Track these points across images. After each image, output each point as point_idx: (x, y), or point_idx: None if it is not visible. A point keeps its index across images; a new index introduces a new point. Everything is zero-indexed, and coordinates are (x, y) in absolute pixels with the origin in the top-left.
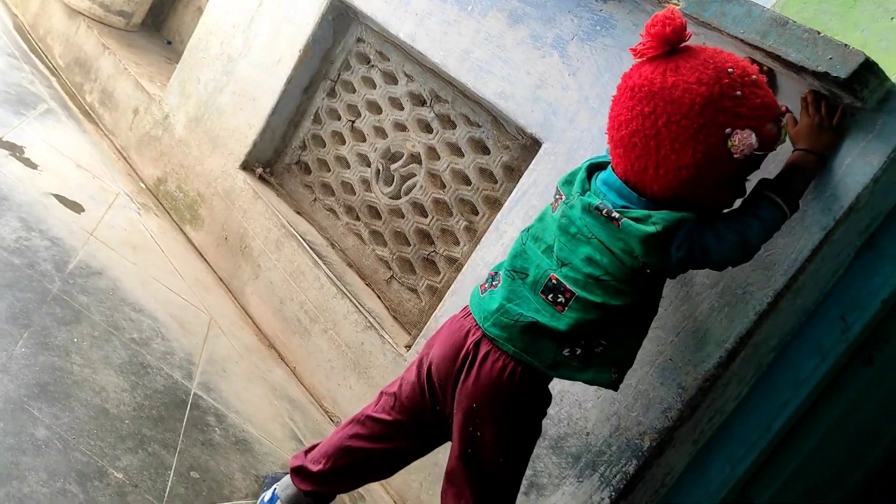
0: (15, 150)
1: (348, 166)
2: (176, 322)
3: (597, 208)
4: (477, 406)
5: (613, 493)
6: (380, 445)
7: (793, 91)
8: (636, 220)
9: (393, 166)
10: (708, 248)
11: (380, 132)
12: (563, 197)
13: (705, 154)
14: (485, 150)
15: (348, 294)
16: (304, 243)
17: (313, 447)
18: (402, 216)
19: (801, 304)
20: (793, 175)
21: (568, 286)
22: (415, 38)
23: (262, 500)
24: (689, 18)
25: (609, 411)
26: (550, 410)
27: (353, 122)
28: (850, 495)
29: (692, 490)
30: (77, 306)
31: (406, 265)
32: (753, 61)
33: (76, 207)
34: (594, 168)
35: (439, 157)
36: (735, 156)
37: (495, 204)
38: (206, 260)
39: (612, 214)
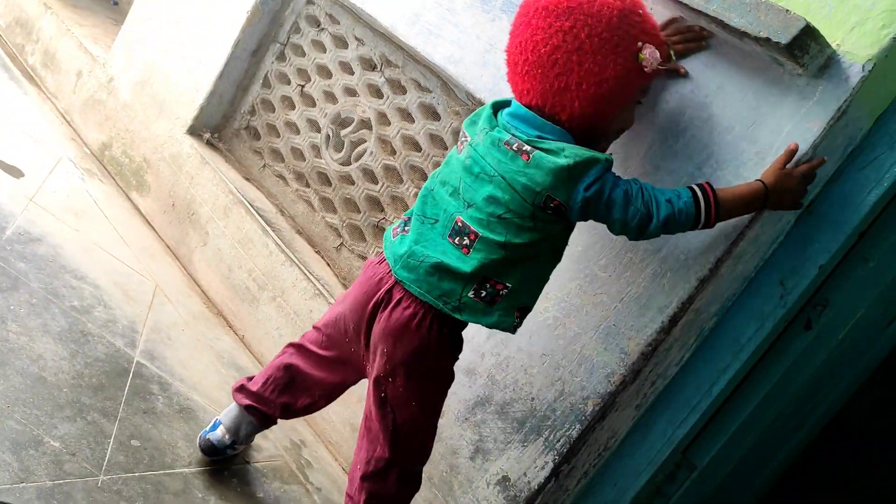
0: None
1: (298, 132)
2: (119, 290)
3: (506, 143)
4: (387, 351)
5: (557, 457)
6: (314, 371)
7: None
8: (548, 151)
9: (343, 132)
10: (613, 204)
11: (330, 97)
12: (469, 138)
13: (623, 66)
14: (435, 116)
15: (297, 262)
16: (253, 210)
17: (252, 376)
18: (353, 183)
19: (742, 270)
20: (736, 196)
21: (472, 227)
22: (365, 0)
23: (204, 431)
24: (705, 17)
25: (553, 376)
26: (497, 376)
27: (303, 86)
28: (791, 457)
29: (634, 453)
30: (14, 273)
31: (356, 232)
32: None
33: (15, 172)
34: (499, 106)
35: (390, 123)
36: (645, 69)
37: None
38: (152, 227)
39: (523, 148)
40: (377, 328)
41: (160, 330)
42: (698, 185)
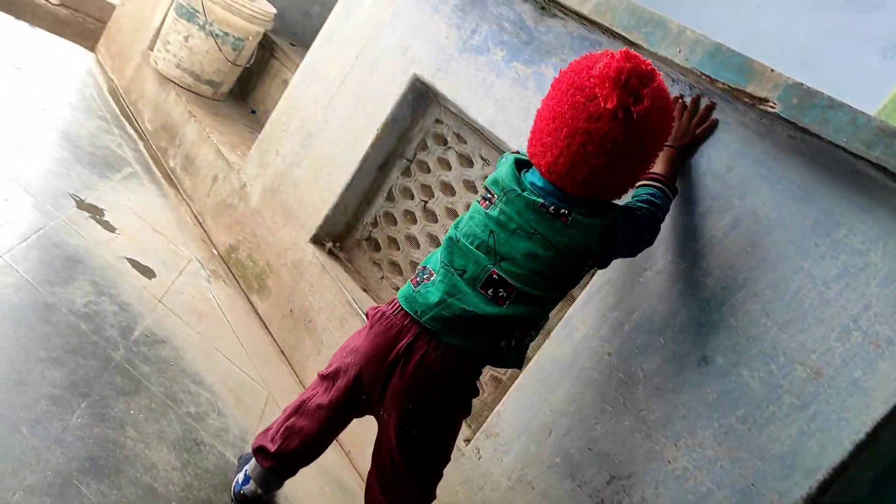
0: (96, 213)
1: (418, 246)
2: (233, 396)
3: (542, 206)
4: (412, 405)
5: None
6: (317, 425)
7: None
8: (583, 214)
9: None
10: (636, 239)
11: (452, 214)
12: (495, 196)
13: (660, 150)
14: None
15: None
16: None
17: (270, 427)
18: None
19: None
20: (668, 167)
21: (510, 281)
22: (494, 123)
23: (237, 481)
24: (786, 123)
25: None
26: None
27: (426, 202)
28: None
29: None
30: (138, 376)
31: None
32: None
33: (148, 272)
34: (521, 164)
35: None
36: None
37: (568, 298)
38: (269, 331)
39: (561, 211)
40: (399, 383)
41: None
42: (654, 180)
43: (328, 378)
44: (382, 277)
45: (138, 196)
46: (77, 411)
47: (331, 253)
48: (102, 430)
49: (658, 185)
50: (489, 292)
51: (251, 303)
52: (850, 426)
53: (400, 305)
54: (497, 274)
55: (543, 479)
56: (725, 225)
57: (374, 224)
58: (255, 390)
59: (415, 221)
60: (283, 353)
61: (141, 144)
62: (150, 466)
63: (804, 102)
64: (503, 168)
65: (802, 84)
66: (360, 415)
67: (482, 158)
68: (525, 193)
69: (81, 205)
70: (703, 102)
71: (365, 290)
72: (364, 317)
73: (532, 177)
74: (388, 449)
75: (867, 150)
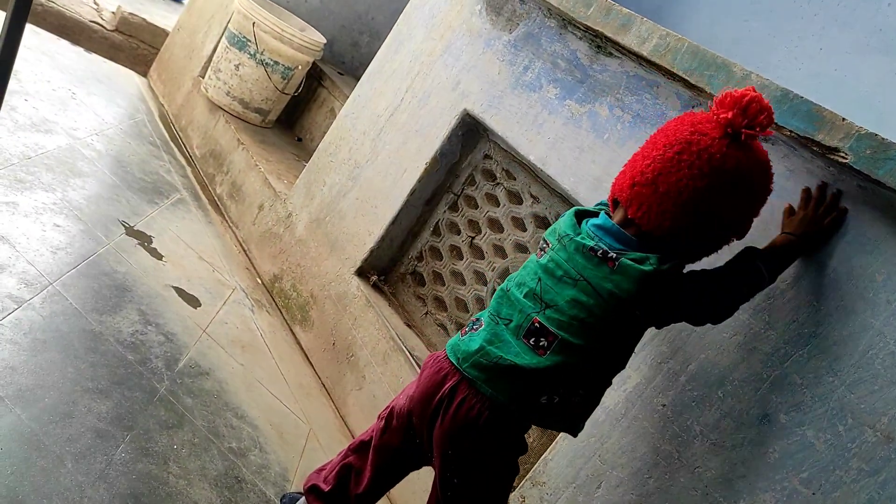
0: (143, 240)
1: (464, 282)
2: (275, 431)
3: (591, 249)
4: (451, 451)
5: None
6: (373, 468)
7: None
8: (634, 259)
9: None
10: (695, 304)
11: (499, 251)
12: (549, 245)
13: (753, 214)
14: None
15: None
16: (412, 359)
17: (325, 466)
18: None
19: None
20: (779, 252)
21: (551, 329)
22: (545, 161)
23: None
24: (856, 173)
25: None
26: None
27: (473, 238)
28: None
29: None
30: (182, 409)
31: None
32: None
33: (193, 302)
34: (582, 215)
35: None
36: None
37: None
38: (311, 363)
39: (609, 255)
40: (441, 427)
41: None
42: (755, 257)
43: (385, 419)
44: (427, 313)
45: (185, 223)
46: (121, 445)
47: (375, 286)
48: (146, 465)
49: (756, 261)
50: (531, 341)
51: (294, 334)
52: None
53: (447, 353)
54: (539, 322)
55: None
56: (789, 276)
57: (420, 258)
58: (296, 425)
59: (461, 257)
60: (325, 387)
61: (189, 171)
62: None
63: (878, 154)
64: (562, 219)
65: (876, 135)
66: (416, 462)
67: (531, 196)
68: (578, 238)
69: (130, 231)
70: (829, 191)
71: (409, 326)
72: (408, 353)
73: (597, 220)
74: (434, 496)
75: None
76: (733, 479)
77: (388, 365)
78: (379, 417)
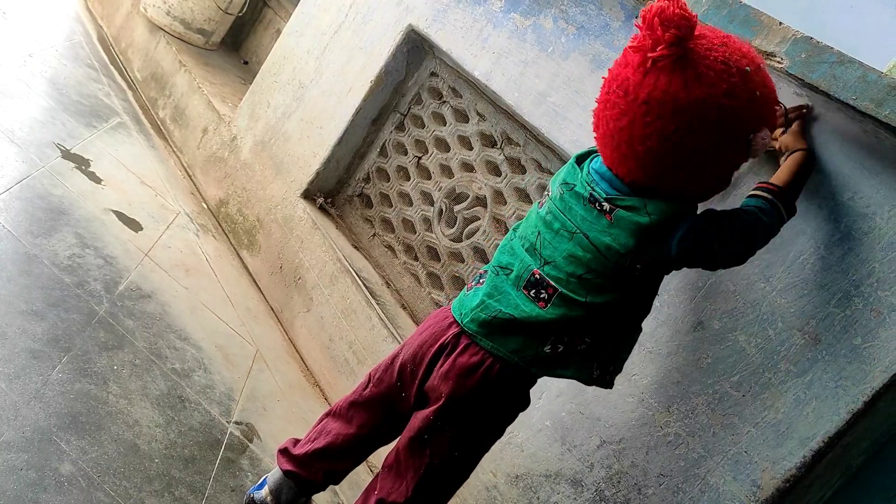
0: (81, 164)
1: (411, 203)
2: (220, 353)
3: (590, 200)
4: (447, 393)
5: None
6: (348, 426)
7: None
8: (629, 208)
9: (457, 207)
10: (712, 250)
11: (446, 171)
12: (550, 192)
13: (727, 160)
14: None
15: (399, 338)
16: (359, 280)
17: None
18: (462, 260)
19: None
20: (793, 179)
21: (551, 282)
22: (490, 76)
23: (253, 488)
24: (793, 79)
25: (672, 501)
26: (606, 492)
27: (420, 158)
28: None
29: None
30: (122, 331)
31: None
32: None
33: (134, 225)
34: (583, 157)
35: (506, 203)
36: (753, 157)
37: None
38: (259, 287)
39: (605, 207)
40: (440, 370)
41: (256, 399)
42: (766, 192)
43: (369, 376)
44: (374, 235)
45: (126, 147)
46: (58, 366)
47: (322, 209)
48: (84, 385)
49: (767, 195)
50: (531, 293)
51: (241, 258)
52: (848, 394)
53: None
54: (539, 274)
55: (533, 443)
56: None
57: (367, 180)
58: (242, 347)
59: (408, 178)
60: (273, 310)
61: (130, 94)
62: (133, 423)
63: (813, 58)
64: (565, 165)
65: (811, 38)
66: (395, 423)
67: (478, 113)
68: (578, 187)
69: (67, 155)
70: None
71: (356, 248)
72: (354, 275)
73: (595, 163)
74: (407, 433)
75: (876, 109)
76: (667, 384)
77: (335, 287)
78: (367, 375)
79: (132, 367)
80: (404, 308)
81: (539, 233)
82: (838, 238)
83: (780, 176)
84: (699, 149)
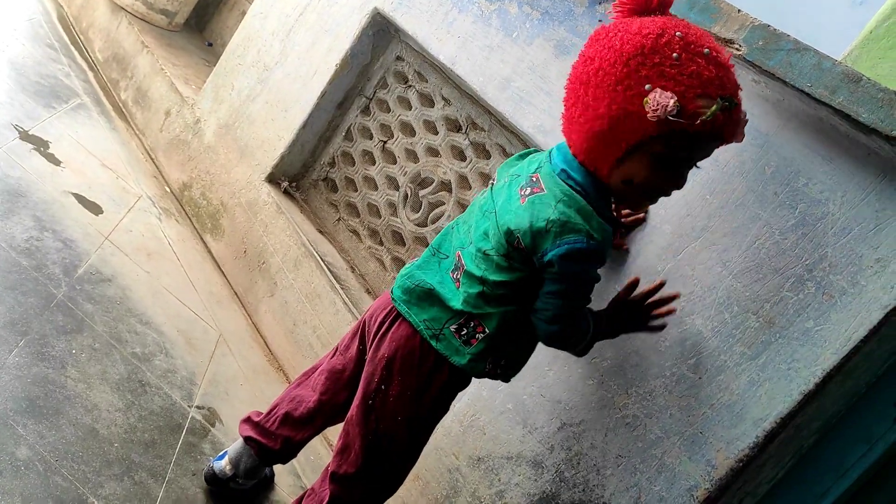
0: (40, 145)
1: (376, 188)
2: (183, 337)
3: (521, 186)
4: (386, 357)
5: None
6: (313, 392)
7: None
8: (544, 200)
9: (422, 192)
10: (557, 287)
11: (411, 155)
12: (495, 180)
13: (620, 106)
14: None
15: None
16: (324, 265)
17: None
18: (427, 245)
19: (851, 386)
20: (599, 327)
21: (463, 261)
22: (455, 61)
23: (213, 459)
24: (751, 66)
25: (629, 482)
26: (566, 473)
27: (385, 142)
28: None
29: None
30: (81, 315)
31: None
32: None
33: (95, 208)
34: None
35: (471, 188)
36: (648, 115)
37: None
38: (222, 272)
39: (525, 192)
40: (386, 334)
41: (219, 383)
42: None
43: (337, 346)
44: (339, 219)
45: (86, 129)
46: (14, 350)
47: (286, 193)
48: (41, 369)
49: (593, 324)
50: (454, 275)
51: (204, 242)
52: (800, 376)
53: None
54: (459, 255)
55: (495, 425)
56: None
57: (332, 164)
58: (205, 331)
59: (373, 162)
60: (237, 295)
61: (91, 75)
62: (92, 407)
63: (770, 45)
64: (518, 158)
65: (769, 26)
66: (354, 394)
67: (443, 98)
68: (521, 177)
69: (25, 136)
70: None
71: (321, 232)
72: (319, 259)
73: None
74: (356, 401)
75: (831, 96)
76: (627, 367)
77: (299, 271)
78: (333, 348)
79: (91, 352)
80: (369, 293)
81: (474, 215)
82: (793, 223)
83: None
84: (599, 82)
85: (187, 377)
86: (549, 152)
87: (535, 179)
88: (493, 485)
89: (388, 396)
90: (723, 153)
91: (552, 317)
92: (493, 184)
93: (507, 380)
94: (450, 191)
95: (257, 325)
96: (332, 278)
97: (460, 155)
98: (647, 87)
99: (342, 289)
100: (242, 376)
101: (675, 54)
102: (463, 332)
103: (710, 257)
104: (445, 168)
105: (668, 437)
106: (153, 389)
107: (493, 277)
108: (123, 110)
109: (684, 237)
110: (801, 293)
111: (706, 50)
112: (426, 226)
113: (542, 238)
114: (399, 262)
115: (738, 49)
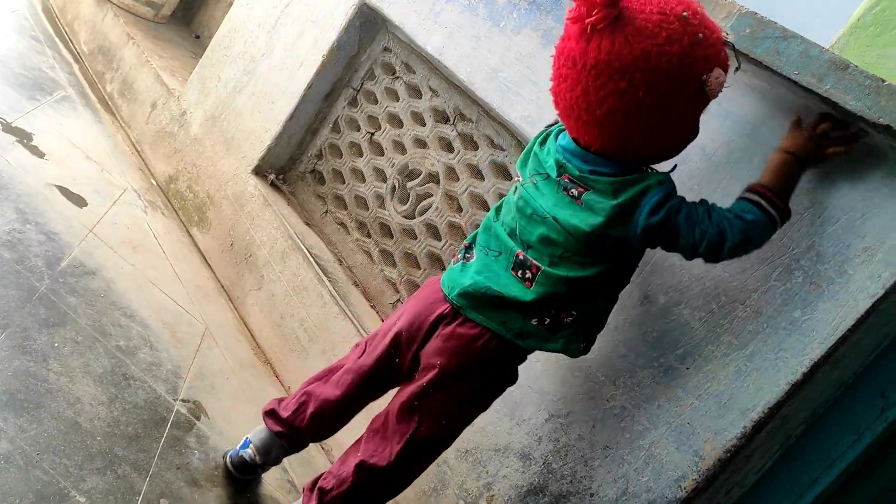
0: (23, 137)
1: (363, 180)
2: (168, 330)
3: (564, 189)
4: (443, 363)
5: None
6: (340, 390)
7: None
8: (599, 192)
9: (409, 184)
10: (678, 230)
11: (399, 147)
12: (520, 178)
13: (687, 106)
14: (506, 176)
15: (350, 316)
16: (311, 257)
17: (284, 398)
18: (415, 237)
19: (839, 376)
20: (782, 179)
21: (534, 262)
22: (442, 51)
23: (234, 449)
24: (739, 54)
25: (617, 473)
26: (554, 465)
27: (373, 134)
28: None
29: None
30: (64, 308)
31: (415, 289)
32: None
33: (79, 201)
34: (543, 140)
35: (458, 179)
36: (712, 97)
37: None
38: (209, 265)
39: (573, 192)
40: (436, 340)
41: (205, 377)
42: (753, 192)
43: (365, 343)
44: (326, 212)
45: (71, 121)
46: None
47: (273, 185)
48: (23, 362)
49: (756, 198)
50: (518, 273)
51: (191, 235)
52: (787, 366)
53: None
54: (523, 255)
55: (483, 417)
56: (672, 161)
57: (319, 156)
58: (191, 324)
59: (361, 154)
60: (224, 288)
61: (76, 67)
62: (75, 401)
63: (757, 33)
64: (529, 147)
65: (756, 13)
66: (384, 387)
67: (431, 89)
68: (551, 175)
69: (8, 128)
70: (852, 128)
71: (308, 225)
72: (306, 252)
73: (564, 140)
74: (398, 399)
75: (818, 84)
76: (614, 358)
77: (286, 264)
78: (356, 346)
79: (74, 345)
80: (356, 285)
81: (516, 219)
82: None
83: (767, 177)
84: (656, 100)
85: (172, 370)
86: (556, 148)
87: (567, 181)
88: (481, 477)
89: (436, 401)
90: (710, 143)
91: (715, 237)
92: (519, 181)
93: (588, 352)
94: (438, 183)
95: (244, 319)
96: (319, 271)
97: (448, 146)
98: (703, 78)
99: (329, 281)
100: (229, 370)
101: (700, 35)
102: (547, 322)
103: None
104: (433, 160)
105: (655, 427)
106: (137, 383)
107: (582, 274)
108: (109, 102)
109: None
110: (788, 283)
111: (698, 8)
112: (414, 218)
113: (626, 219)
114: (386, 255)
115: (726, 35)
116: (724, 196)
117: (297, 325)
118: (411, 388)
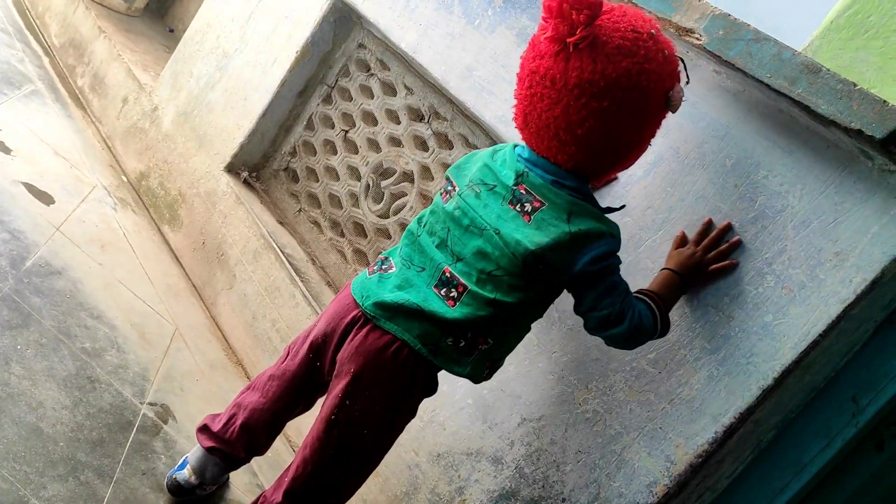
0: None
1: (338, 178)
2: (136, 331)
3: (511, 202)
4: (354, 370)
5: None
6: (266, 398)
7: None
8: (557, 208)
9: (384, 183)
10: (598, 286)
11: (373, 145)
12: (457, 188)
13: (655, 122)
14: None
15: None
16: (283, 257)
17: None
18: (389, 237)
19: (810, 380)
20: (666, 293)
21: (461, 280)
22: (417, 49)
23: (172, 470)
24: (711, 57)
25: (589, 478)
26: (525, 469)
27: (347, 132)
28: None
29: None
30: (27, 308)
31: None
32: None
33: (46, 198)
34: (496, 153)
35: (433, 178)
36: (673, 111)
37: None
38: (180, 264)
39: (525, 208)
40: (349, 345)
41: (173, 379)
42: (646, 296)
43: (288, 349)
44: (300, 210)
45: (40, 116)
46: None
47: (246, 183)
48: None
49: (648, 300)
50: (441, 291)
51: (162, 233)
52: (759, 371)
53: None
54: (450, 272)
55: (455, 420)
56: (646, 163)
57: (293, 154)
58: (160, 325)
59: (335, 152)
60: (195, 287)
61: (46, 61)
62: (37, 405)
63: (730, 35)
64: (469, 156)
65: (729, 15)
66: (312, 395)
67: (405, 87)
68: (498, 188)
69: None
70: (729, 237)
71: (281, 223)
72: (279, 251)
73: (525, 153)
74: (320, 415)
75: (790, 87)
76: (587, 361)
77: (258, 263)
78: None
79: (38, 347)
80: (329, 285)
81: (449, 229)
82: (753, 216)
83: (654, 288)
84: (634, 118)
85: (140, 373)
86: (516, 158)
87: (523, 192)
88: (453, 481)
89: (354, 411)
90: (683, 145)
91: (616, 315)
92: (453, 190)
93: (489, 378)
94: (412, 181)
95: (215, 319)
96: (291, 271)
97: (423, 145)
98: (668, 94)
99: (302, 281)
100: (199, 371)
101: (666, 52)
102: (462, 345)
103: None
104: (408, 158)
105: (627, 432)
106: (103, 386)
107: (508, 299)
108: (80, 97)
109: (645, 229)
110: (760, 287)
111: (658, 27)
112: (388, 217)
113: (570, 251)
114: (360, 254)
115: (698, 38)
116: (697, 199)
117: (269, 325)
118: (329, 401)
